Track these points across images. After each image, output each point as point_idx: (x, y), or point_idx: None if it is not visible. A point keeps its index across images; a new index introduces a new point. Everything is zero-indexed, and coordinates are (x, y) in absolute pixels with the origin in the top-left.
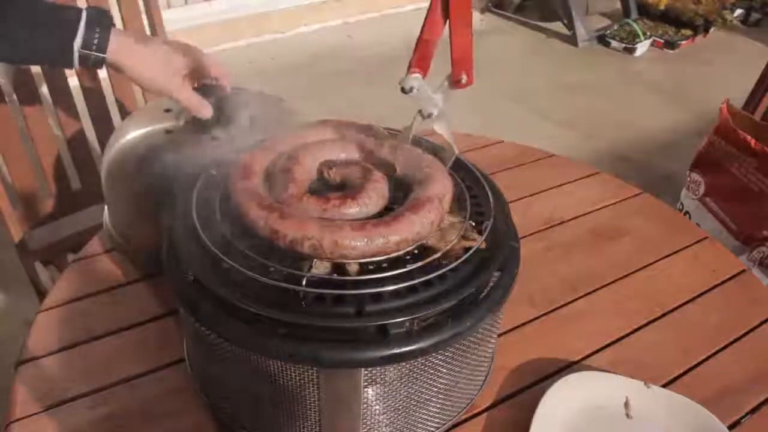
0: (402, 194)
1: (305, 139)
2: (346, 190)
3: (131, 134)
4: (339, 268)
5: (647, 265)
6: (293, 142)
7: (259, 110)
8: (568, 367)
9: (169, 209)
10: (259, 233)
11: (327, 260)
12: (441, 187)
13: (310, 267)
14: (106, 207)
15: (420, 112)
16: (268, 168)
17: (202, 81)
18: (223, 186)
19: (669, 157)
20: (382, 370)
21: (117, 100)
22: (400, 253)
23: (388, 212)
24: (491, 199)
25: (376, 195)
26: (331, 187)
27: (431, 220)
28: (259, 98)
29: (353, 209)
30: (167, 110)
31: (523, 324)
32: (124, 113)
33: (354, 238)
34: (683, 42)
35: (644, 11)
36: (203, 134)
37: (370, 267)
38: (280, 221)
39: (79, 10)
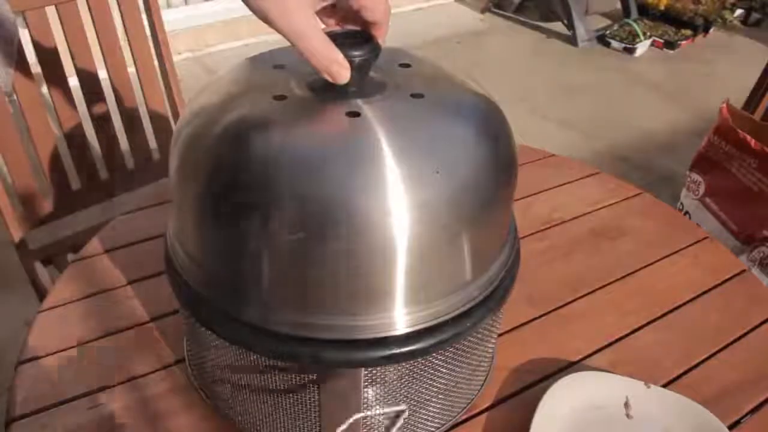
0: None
1: None
2: None
3: (221, 98)
4: None
5: (647, 265)
6: None
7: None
8: (568, 367)
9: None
10: None
11: None
12: None
13: None
14: (172, 208)
15: None
16: None
17: (343, 22)
18: None
19: (669, 157)
20: (382, 370)
21: (117, 100)
22: None
23: None
24: None
25: None
26: None
27: None
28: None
29: None
30: (278, 66)
31: (523, 324)
32: (124, 113)
33: None
34: (683, 42)
35: (644, 11)
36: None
37: None
38: None
39: None
